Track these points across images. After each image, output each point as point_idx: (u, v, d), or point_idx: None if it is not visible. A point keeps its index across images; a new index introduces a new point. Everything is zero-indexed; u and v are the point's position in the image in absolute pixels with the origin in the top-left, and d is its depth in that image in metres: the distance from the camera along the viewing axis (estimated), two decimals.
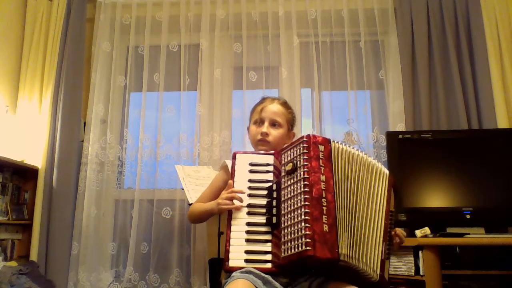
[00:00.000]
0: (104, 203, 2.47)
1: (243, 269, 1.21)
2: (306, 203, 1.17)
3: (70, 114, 2.53)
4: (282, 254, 1.20)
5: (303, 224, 1.16)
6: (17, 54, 2.60)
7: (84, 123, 2.56)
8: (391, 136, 2.20)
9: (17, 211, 2.39)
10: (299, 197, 1.20)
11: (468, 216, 2.01)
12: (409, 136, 2.18)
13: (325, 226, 1.15)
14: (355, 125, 2.46)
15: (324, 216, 1.16)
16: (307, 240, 1.13)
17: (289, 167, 1.27)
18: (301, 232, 1.15)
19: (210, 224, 2.28)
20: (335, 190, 1.22)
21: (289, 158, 1.30)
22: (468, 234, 1.85)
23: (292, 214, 1.21)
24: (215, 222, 2.20)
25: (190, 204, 2.08)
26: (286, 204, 1.24)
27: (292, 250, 1.16)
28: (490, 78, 2.33)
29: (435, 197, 2.09)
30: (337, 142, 1.30)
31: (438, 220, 2.04)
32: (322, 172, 1.22)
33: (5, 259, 2.28)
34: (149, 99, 2.58)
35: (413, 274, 1.82)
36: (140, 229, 2.40)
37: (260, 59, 2.57)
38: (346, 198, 1.24)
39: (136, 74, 2.63)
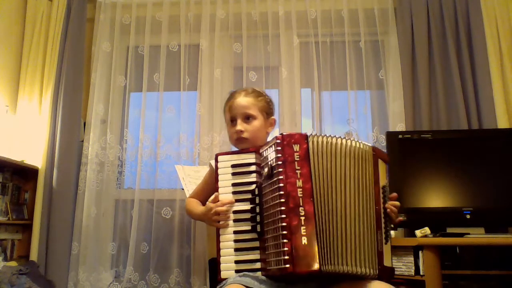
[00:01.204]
0: (104, 203, 2.47)
1: (238, 273, 1.20)
2: (283, 215, 1.14)
3: (70, 114, 2.53)
4: (267, 266, 1.19)
5: (281, 239, 1.14)
6: (17, 54, 2.60)
7: (84, 123, 2.55)
8: (391, 136, 2.20)
9: (17, 211, 2.39)
10: (276, 208, 1.17)
11: (468, 216, 2.01)
12: (409, 136, 2.18)
13: (304, 239, 1.12)
14: (355, 125, 2.46)
15: (302, 228, 1.13)
16: (285, 257, 1.11)
17: (266, 172, 1.23)
18: (280, 247, 1.13)
19: None
20: (315, 193, 1.17)
21: (265, 161, 1.26)
22: (468, 234, 1.85)
23: (272, 226, 1.19)
24: None
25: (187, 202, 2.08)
26: (267, 212, 1.22)
27: (274, 265, 1.16)
28: (490, 78, 2.33)
29: (435, 197, 2.09)
30: (317, 136, 1.23)
31: (438, 220, 2.04)
32: (298, 176, 1.17)
33: (5, 259, 2.28)
34: (149, 99, 2.57)
35: (413, 274, 1.82)
36: (140, 229, 2.40)
37: (260, 59, 2.57)
38: (331, 197, 1.19)
39: (136, 74, 2.63)
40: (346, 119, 2.48)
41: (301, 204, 1.15)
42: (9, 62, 2.54)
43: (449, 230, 1.97)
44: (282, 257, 1.12)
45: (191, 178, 2.18)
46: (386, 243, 1.25)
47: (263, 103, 1.53)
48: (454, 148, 2.13)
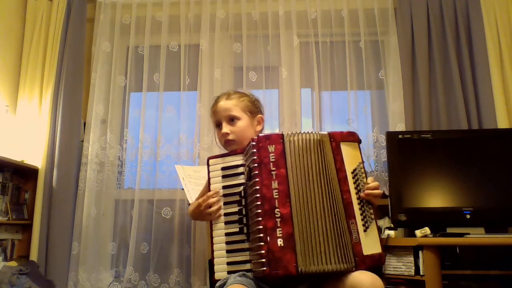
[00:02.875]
0: (104, 203, 2.47)
1: (238, 273, 1.21)
2: (259, 218, 1.16)
3: (70, 114, 2.53)
4: (253, 268, 1.20)
5: (258, 241, 1.15)
6: (17, 54, 2.60)
7: (84, 123, 2.56)
8: (391, 136, 2.20)
9: (17, 211, 2.38)
10: (255, 211, 1.19)
11: (468, 216, 2.01)
12: (409, 136, 2.18)
13: (280, 241, 1.13)
14: (355, 125, 2.46)
15: (278, 230, 1.14)
16: (262, 260, 1.12)
17: (246, 174, 1.26)
18: (258, 250, 1.14)
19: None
20: (294, 193, 1.18)
21: (247, 163, 1.27)
22: (468, 234, 1.85)
23: (253, 228, 1.20)
24: None
25: (190, 204, 2.09)
26: (250, 214, 1.24)
27: (256, 267, 1.17)
28: (490, 78, 2.33)
29: (435, 197, 2.09)
30: (293, 134, 1.24)
31: (438, 220, 2.03)
32: (274, 177, 1.18)
33: (5, 259, 2.28)
34: (149, 99, 2.57)
35: (413, 274, 1.82)
36: (140, 229, 2.40)
37: (260, 59, 2.57)
38: (309, 196, 1.19)
39: (136, 74, 2.63)
40: (346, 119, 2.48)
41: (276, 206, 1.16)
42: (9, 62, 2.54)
43: (449, 230, 1.97)
44: (260, 260, 1.13)
45: (191, 178, 2.18)
46: (365, 231, 1.22)
47: (246, 102, 1.53)
48: (454, 148, 2.13)
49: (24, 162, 2.39)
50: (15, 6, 2.61)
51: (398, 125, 2.38)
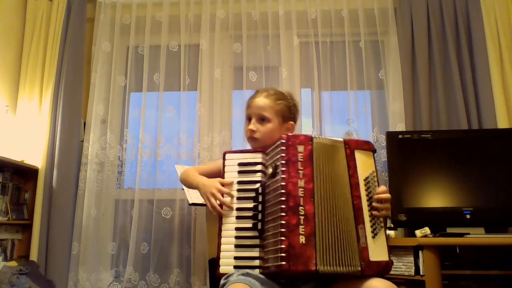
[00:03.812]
0: (104, 203, 2.47)
1: (240, 272, 1.21)
2: (282, 213, 1.16)
3: (70, 114, 2.53)
4: (265, 264, 1.20)
5: (279, 236, 1.15)
6: (17, 54, 2.60)
7: (84, 123, 2.56)
8: (391, 136, 2.20)
9: (17, 211, 2.38)
10: (277, 206, 1.19)
11: (468, 216, 2.01)
12: (409, 136, 2.18)
13: (302, 238, 1.13)
14: (355, 125, 2.46)
15: (301, 227, 1.14)
16: (282, 254, 1.12)
17: (269, 171, 1.26)
18: (278, 245, 1.14)
19: (210, 224, 2.28)
20: (317, 194, 1.19)
21: (270, 161, 1.28)
22: (468, 234, 1.85)
23: (272, 224, 1.20)
24: (215, 222, 2.17)
25: (190, 204, 2.09)
26: (269, 210, 1.24)
27: (272, 262, 1.17)
28: (490, 78, 2.33)
29: (435, 197, 2.09)
30: (320, 137, 1.26)
31: (438, 220, 2.04)
32: (300, 176, 1.19)
33: (5, 259, 2.28)
34: (149, 99, 2.58)
35: (413, 274, 1.82)
36: (140, 229, 2.40)
37: (260, 59, 2.57)
38: (331, 199, 1.21)
39: (136, 74, 2.63)
40: (346, 119, 2.48)
41: (301, 203, 1.17)
42: (9, 62, 2.54)
43: (449, 230, 1.97)
44: (279, 254, 1.13)
45: None
46: (374, 237, 1.23)
47: (282, 107, 1.50)
48: (454, 148, 2.13)
49: (24, 162, 2.39)
50: (15, 6, 2.61)
51: (398, 125, 2.38)
